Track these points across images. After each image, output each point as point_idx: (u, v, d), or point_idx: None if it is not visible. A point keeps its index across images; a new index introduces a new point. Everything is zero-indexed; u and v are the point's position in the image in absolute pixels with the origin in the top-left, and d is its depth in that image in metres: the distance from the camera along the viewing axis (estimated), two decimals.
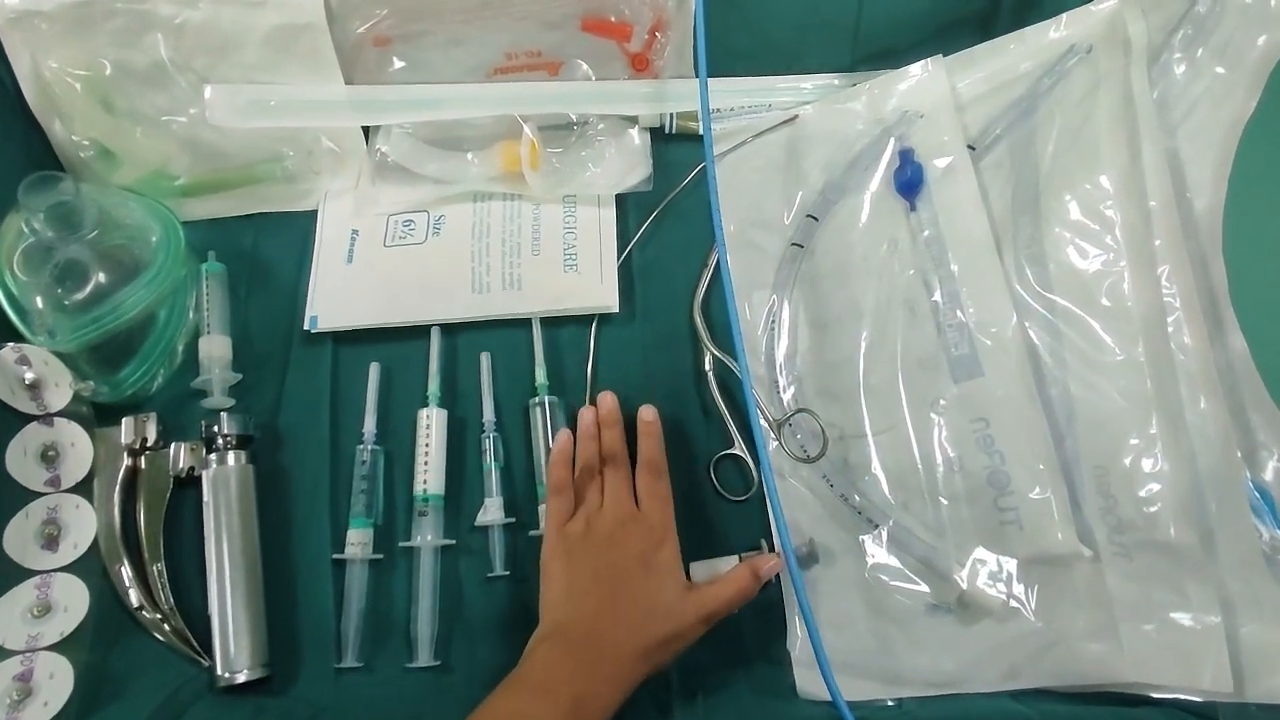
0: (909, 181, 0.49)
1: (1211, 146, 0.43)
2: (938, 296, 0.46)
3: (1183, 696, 0.38)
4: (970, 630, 0.42)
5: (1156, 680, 0.38)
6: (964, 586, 0.42)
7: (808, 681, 0.43)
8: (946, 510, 0.43)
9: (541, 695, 0.37)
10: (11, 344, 0.45)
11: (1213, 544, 0.39)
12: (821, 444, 0.46)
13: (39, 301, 0.45)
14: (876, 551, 0.44)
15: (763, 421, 0.48)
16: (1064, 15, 0.49)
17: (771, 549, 0.45)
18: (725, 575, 0.42)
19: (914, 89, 0.51)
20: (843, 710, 0.38)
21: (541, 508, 0.47)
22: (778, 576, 0.45)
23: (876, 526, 0.44)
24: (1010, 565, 0.42)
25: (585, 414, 0.47)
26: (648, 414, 0.47)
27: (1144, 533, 0.40)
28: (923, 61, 0.51)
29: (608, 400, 0.48)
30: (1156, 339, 0.41)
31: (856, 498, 0.45)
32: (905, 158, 0.49)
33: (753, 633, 0.44)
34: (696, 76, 0.54)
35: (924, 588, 0.43)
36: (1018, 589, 0.41)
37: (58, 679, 0.42)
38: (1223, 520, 0.39)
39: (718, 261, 0.52)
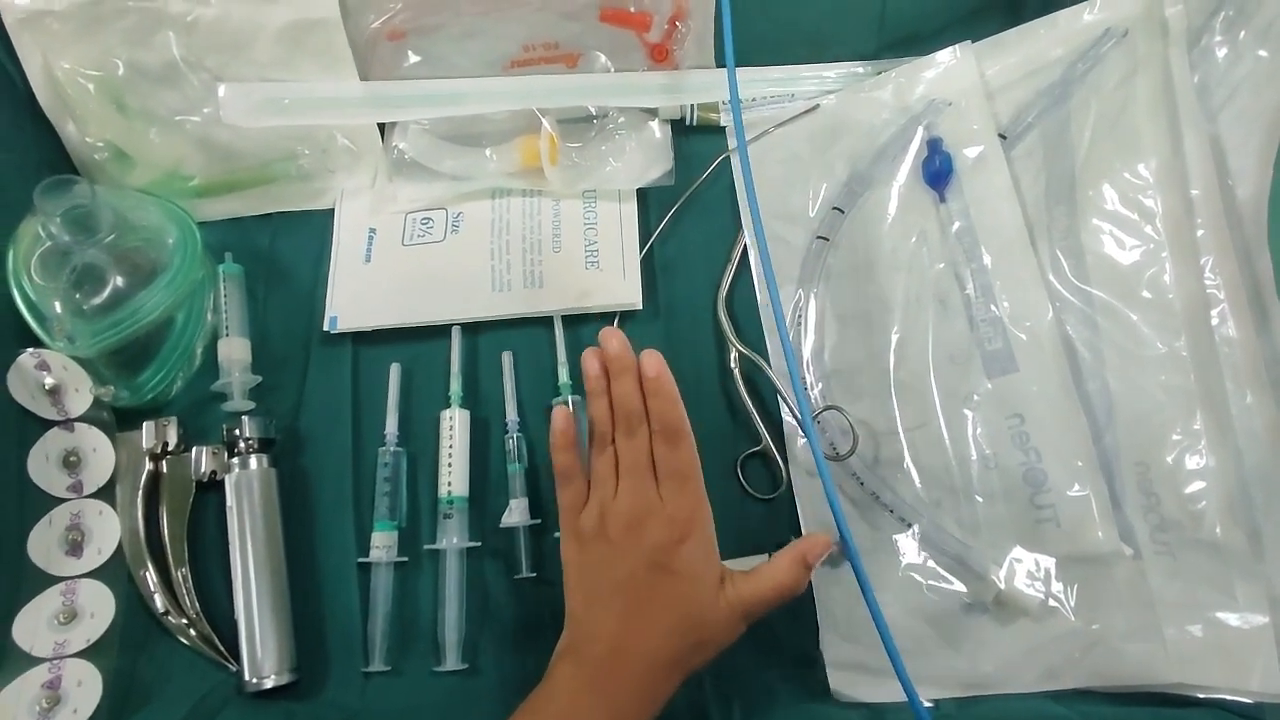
0: (938, 172, 0.48)
1: (1255, 132, 0.42)
2: (970, 290, 0.45)
3: (1229, 698, 0.37)
4: (1008, 630, 0.41)
5: (1202, 681, 0.37)
6: (1001, 586, 0.41)
7: (841, 682, 0.42)
8: (981, 508, 0.43)
9: None
10: (31, 349, 0.45)
11: (1260, 542, 0.38)
12: (851, 441, 0.45)
13: (57, 306, 0.44)
14: (910, 551, 0.43)
15: (790, 419, 0.47)
16: None
17: None
18: (764, 567, 0.37)
19: (942, 76, 0.50)
20: (919, 709, 0.35)
21: None
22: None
23: (909, 525, 0.43)
24: (1048, 564, 0.41)
25: (591, 363, 0.39)
26: (651, 365, 0.37)
27: (1188, 531, 0.39)
28: (951, 48, 0.50)
29: (613, 342, 0.38)
30: (1200, 332, 0.40)
31: (888, 496, 0.44)
32: (934, 147, 0.48)
33: (785, 634, 0.44)
34: (718, 66, 0.53)
35: (960, 587, 0.42)
36: (1056, 588, 0.40)
37: (86, 686, 0.42)
38: (1271, 518, 0.38)
39: (742, 256, 0.52)
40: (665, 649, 0.36)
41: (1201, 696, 0.38)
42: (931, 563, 0.43)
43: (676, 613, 0.36)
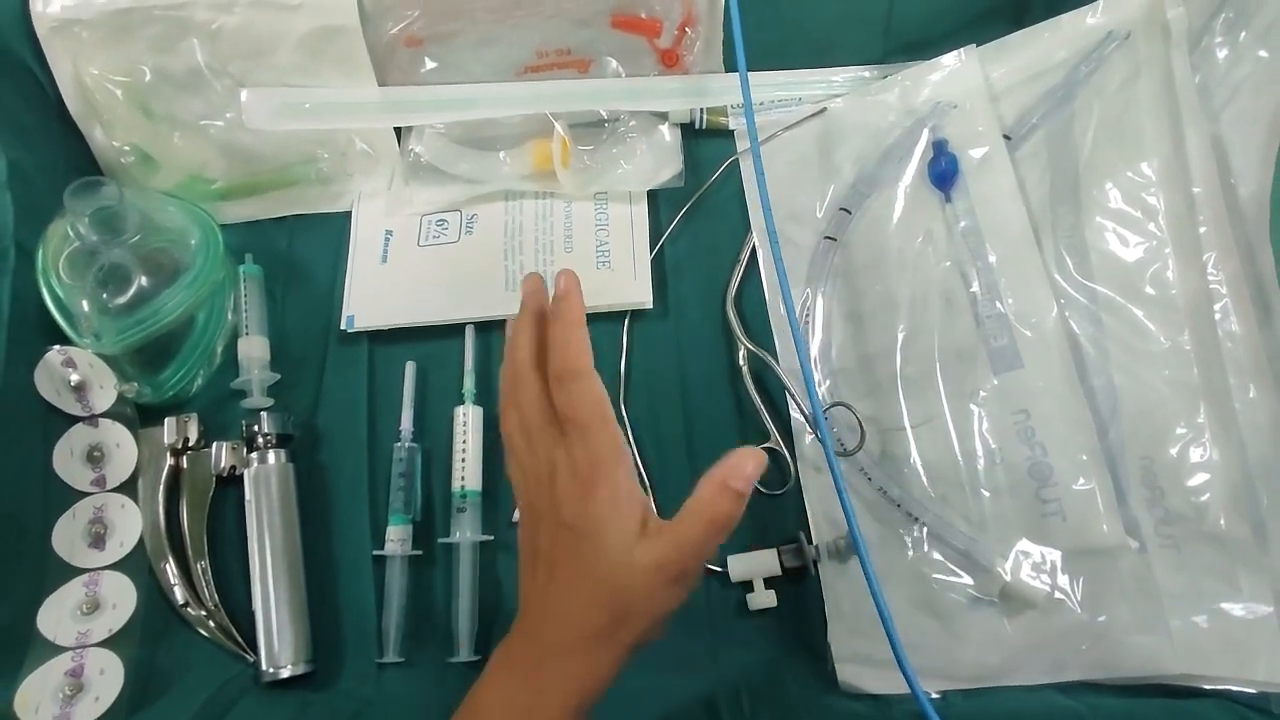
0: (943, 173, 0.49)
1: (1256, 131, 0.42)
2: (975, 288, 0.46)
3: (1235, 688, 0.37)
4: (1014, 623, 0.41)
5: (1208, 672, 0.38)
6: (1007, 578, 0.41)
7: (850, 675, 0.42)
8: (988, 502, 0.43)
9: None
10: (58, 347, 0.46)
11: (1264, 534, 0.38)
12: (859, 437, 0.46)
13: (84, 305, 0.46)
14: (917, 545, 0.44)
15: (798, 415, 0.48)
16: (1100, 1, 0.48)
17: (811, 542, 0.45)
18: (684, 508, 0.31)
19: (947, 79, 0.51)
20: (924, 705, 0.34)
21: None
22: (815, 569, 0.44)
23: (916, 520, 0.44)
24: (1054, 557, 0.41)
25: (508, 326, 0.36)
26: (560, 281, 0.34)
27: (1193, 524, 0.39)
28: (956, 51, 0.51)
29: (527, 284, 0.37)
30: (1203, 327, 0.41)
31: (896, 491, 0.45)
32: (939, 149, 0.49)
33: (793, 627, 0.44)
34: (727, 71, 0.54)
35: (966, 580, 0.42)
36: (1062, 581, 0.41)
37: (108, 674, 0.43)
38: (1275, 510, 0.38)
39: (750, 256, 0.52)
40: (583, 621, 0.31)
41: (1208, 688, 0.38)
42: (938, 556, 0.43)
43: (589, 579, 0.31)
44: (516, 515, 0.47)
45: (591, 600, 0.31)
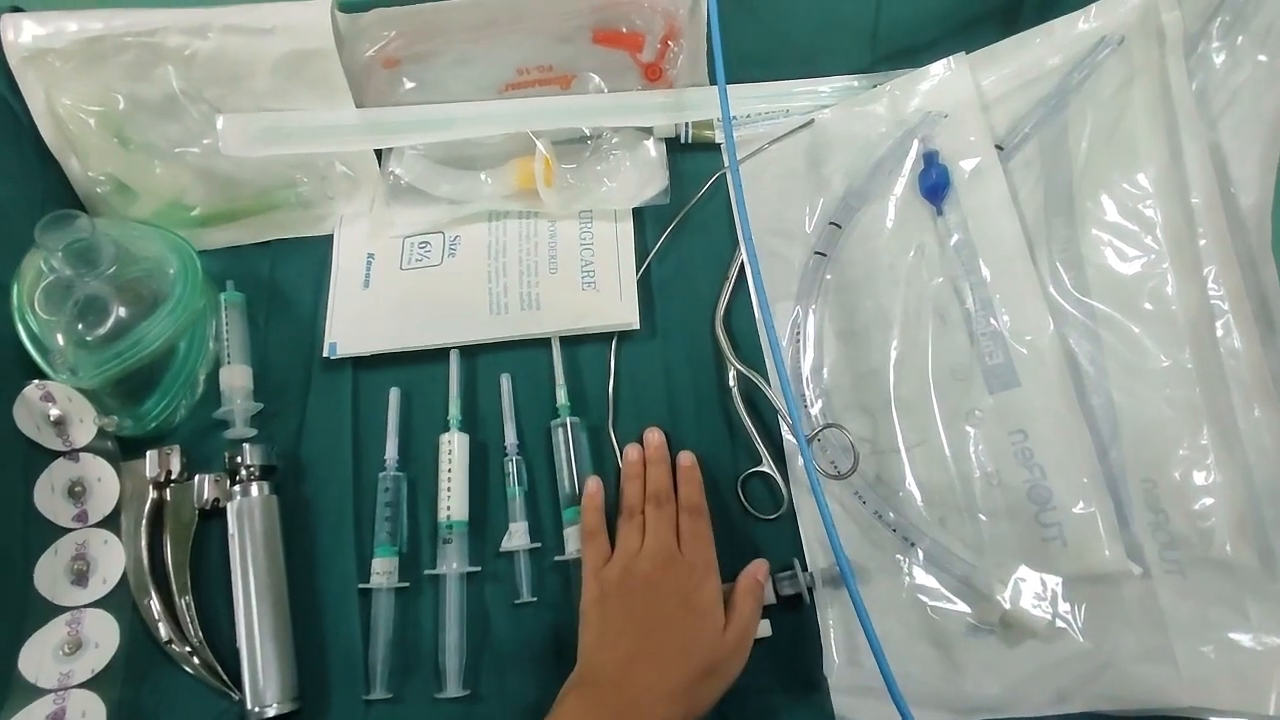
0: (935, 185, 0.47)
1: (1256, 139, 0.41)
2: (969, 304, 0.45)
3: None
4: (1015, 652, 0.40)
5: (1216, 704, 0.36)
6: (1007, 606, 0.40)
7: (845, 706, 0.41)
8: (986, 526, 0.42)
9: None
10: (36, 381, 0.45)
11: (1273, 560, 0.37)
12: (852, 459, 0.45)
13: (60, 339, 0.45)
14: (914, 571, 0.43)
15: (790, 437, 0.47)
16: (1092, 6, 0.47)
17: (805, 568, 0.44)
18: (737, 594, 0.42)
19: (937, 89, 0.50)
20: None
21: (567, 530, 0.46)
22: (811, 599, 0.43)
23: (913, 545, 0.43)
24: (1055, 583, 0.40)
25: (631, 452, 0.47)
26: (686, 459, 0.46)
27: (1198, 549, 0.38)
28: (945, 60, 0.50)
29: (655, 438, 0.47)
30: (1204, 344, 0.39)
31: (891, 515, 0.44)
32: (930, 160, 0.48)
33: (790, 658, 0.43)
34: (711, 84, 0.53)
35: (964, 608, 0.41)
36: (1064, 608, 0.40)
37: (90, 716, 0.42)
38: None
39: (739, 273, 0.51)
40: (669, 679, 0.38)
41: None
42: (936, 583, 0.42)
43: (684, 644, 0.39)
44: (504, 545, 0.46)
45: (687, 657, 0.39)
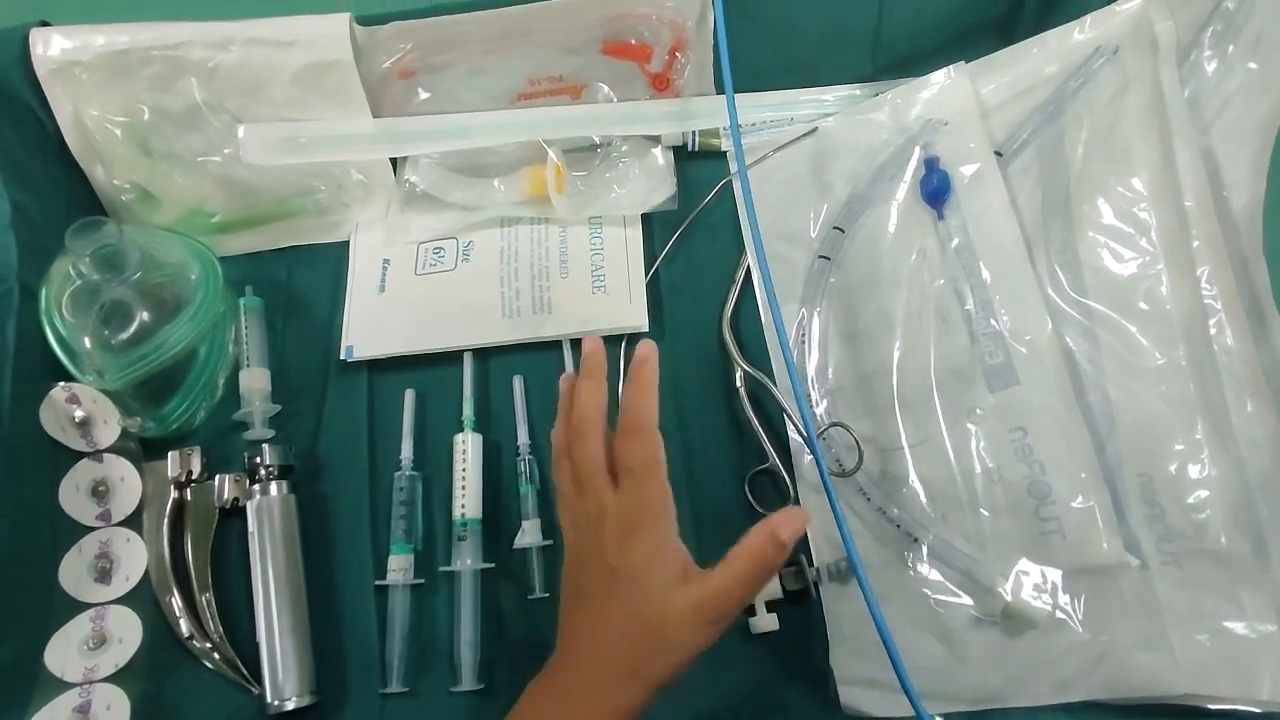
0: (936, 190, 0.49)
1: (1247, 143, 0.42)
2: (970, 305, 0.46)
3: (1240, 707, 0.37)
4: (1016, 643, 0.41)
5: (1212, 691, 0.37)
6: (1008, 598, 0.41)
7: (852, 698, 0.42)
8: (987, 521, 0.43)
9: None
10: (62, 384, 0.46)
11: (1266, 551, 0.38)
12: (857, 457, 0.46)
13: (87, 342, 0.46)
14: (917, 565, 0.43)
15: (796, 435, 0.48)
16: (1088, 17, 0.48)
17: (811, 564, 0.45)
18: (729, 555, 0.33)
19: (937, 97, 0.51)
20: None
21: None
22: (817, 591, 0.44)
23: (916, 540, 0.44)
24: (1055, 576, 0.41)
25: (563, 381, 0.40)
26: (641, 349, 0.37)
27: (1193, 541, 0.39)
28: (945, 69, 0.51)
29: (588, 345, 0.39)
30: (1198, 342, 0.40)
31: (895, 511, 0.45)
32: (931, 166, 0.49)
33: (796, 650, 0.44)
34: (718, 93, 0.55)
35: (967, 601, 0.42)
36: (1064, 600, 0.41)
37: (115, 710, 0.43)
38: (1276, 526, 0.38)
39: (745, 276, 0.53)
40: (614, 653, 0.33)
41: (1213, 707, 0.38)
42: (939, 577, 0.43)
43: (623, 613, 0.34)
44: (517, 542, 0.47)
45: (625, 635, 0.33)
